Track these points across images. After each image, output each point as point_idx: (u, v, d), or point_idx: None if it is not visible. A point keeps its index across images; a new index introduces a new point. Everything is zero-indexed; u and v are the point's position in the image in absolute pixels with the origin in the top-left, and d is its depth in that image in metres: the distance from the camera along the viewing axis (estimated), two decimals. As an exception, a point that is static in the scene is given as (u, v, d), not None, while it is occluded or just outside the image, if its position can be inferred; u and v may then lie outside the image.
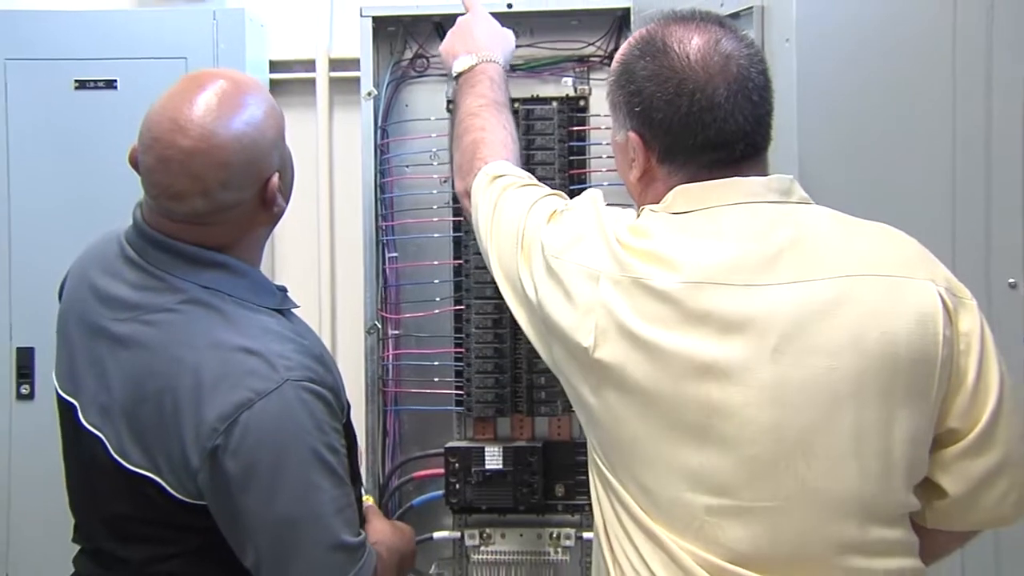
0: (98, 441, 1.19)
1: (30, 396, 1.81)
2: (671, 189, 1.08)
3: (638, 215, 1.10)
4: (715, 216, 1.05)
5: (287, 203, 1.29)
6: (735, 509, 0.99)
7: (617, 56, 1.14)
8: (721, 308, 1.00)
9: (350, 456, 1.30)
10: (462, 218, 1.82)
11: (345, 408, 1.28)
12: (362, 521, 1.36)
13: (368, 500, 1.56)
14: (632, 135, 1.10)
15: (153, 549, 1.21)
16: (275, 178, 1.21)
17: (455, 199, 1.83)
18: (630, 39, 1.13)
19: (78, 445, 1.23)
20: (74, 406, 1.22)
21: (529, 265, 1.12)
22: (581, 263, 1.05)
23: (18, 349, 1.83)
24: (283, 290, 1.30)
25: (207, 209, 1.17)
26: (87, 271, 1.26)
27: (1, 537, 1.81)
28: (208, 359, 1.14)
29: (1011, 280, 1.53)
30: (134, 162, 1.18)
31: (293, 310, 1.29)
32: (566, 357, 1.06)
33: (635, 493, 1.03)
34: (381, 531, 1.39)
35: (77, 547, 1.28)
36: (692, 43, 1.06)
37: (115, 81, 1.82)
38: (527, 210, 1.17)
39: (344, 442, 1.23)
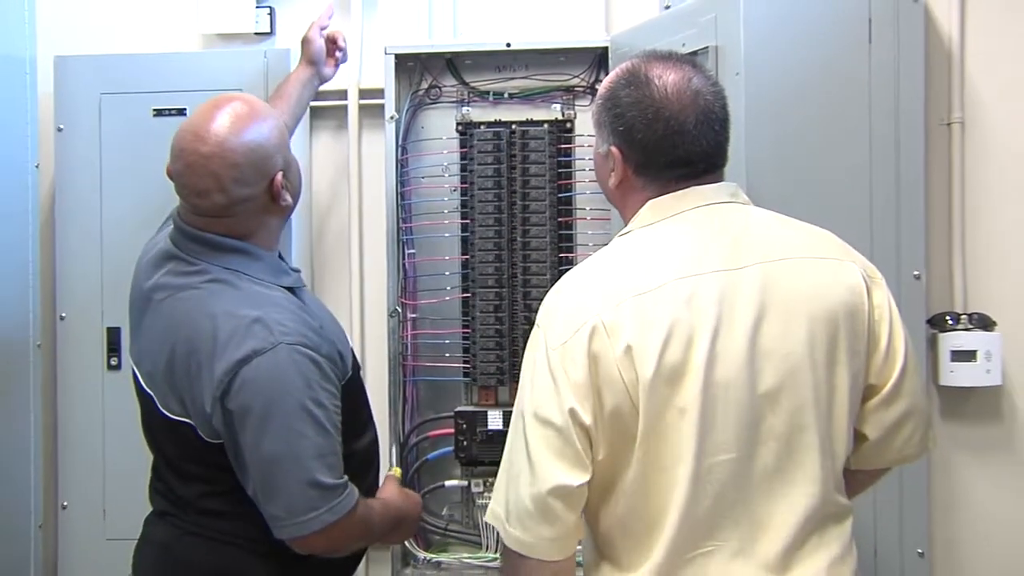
0: (151, 399, 1.33)
1: (117, 367, 1.95)
2: (644, 199, 1.15)
3: (626, 222, 1.18)
4: (681, 220, 1.13)
5: (295, 201, 1.39)
6: (725, 461, 1.05)
7: (605, 82, 1.20)
8: (699, 296, 1.05)
9: (357, 411, 1.41)
10: (469, 220, 1.97)
11: (346, 372, 1.37)
12: (373, 479, 1.47)
13: (396, 472, 1.66)
14: (614, 150, 1.16)
15: (201, 487, 1.34)
16: (279, 176, 1.32)
17: (463, 204, 1.99)
18: (617, 69, 1.19)
19: (142, 404, 1.38)
20: (136, 374, 1.38)
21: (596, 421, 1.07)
22: (581, 349, 1.05)
23: (108, 328, 1.97)
24: (297, 271, 1.41)
25: (226, 202, 1.29)
26: (143, 267, 1.41)
27: (99, 480, 1.97)
28: (222, 325, 1.25)
29: (916, 272, 1.73)
30: (170, 174, 1.33)
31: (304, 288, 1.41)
32: (618, 415, 1.06)
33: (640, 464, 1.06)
34: (390, 492, 1.49)
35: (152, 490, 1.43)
36: (670, 78, 1.13)
37: (185, 109, 1.93)
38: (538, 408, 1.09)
39: (337, 401, 1.30)
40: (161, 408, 1.32)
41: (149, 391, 1.34)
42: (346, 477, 1.29)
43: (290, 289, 1.37)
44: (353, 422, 1.37)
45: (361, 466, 1.42)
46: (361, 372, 1.46)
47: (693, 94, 1.13)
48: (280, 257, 1.42)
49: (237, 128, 1.29)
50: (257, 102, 1.37)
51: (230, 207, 1.30)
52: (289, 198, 1.36)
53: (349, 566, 1.47)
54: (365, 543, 1.42)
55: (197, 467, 1.33)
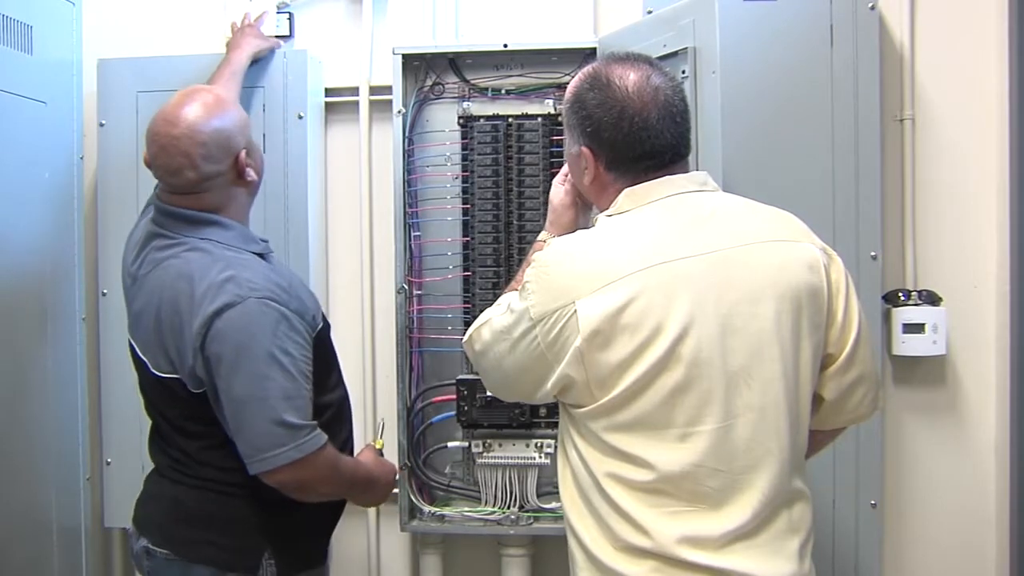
0: (144, 364, 1.41)
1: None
2: (618, 190, 1.18)
3: (593, 221, 1.22)
4: (655, 208, 1.16)
5: (260, 177, 1.48)
6: (701, 433, 1.09)
7: (570, 87, 1.24)
8: (673, 281, 1.09)
9: (326, 367, 1.47)
10: (469, 205, 2.06)
11: (316, 326, 1.43)
12: (347, 436, 1.51)
13: (379, 444, 1.70)
14: (584, 149, 1.20)
15: (197, 442, 1.41)
16: (243, 154, 1.41)
17: (464, 191, 2.06)
18: (580, 74, 1.23)
19: (138, 371, 1.46)
20: (132, 344, 1.46)
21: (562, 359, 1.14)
22: (562, 324, 1.11)
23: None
24: (265, 241, 1.49)
25: (196, 178, 1.38)
26: (128, 252, 1.50)
27: (137, 439, 1.95)
28: (199, 286, 1.34)
29: (872, 253, 1.82)
30: (147, 161, 1.41)
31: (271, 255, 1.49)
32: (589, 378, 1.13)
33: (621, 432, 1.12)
34: (366, 457, 1.56)
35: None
36: (630, 78, 1.17)
37: (211, 106, 1.97)
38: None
39: (306, 352, 1.37)
40: (153, 370, 1.39)
41: (143, 357, 1.42)
42: (315, 422, 1.36)
43: (260, 255, 1.45)
44: (321, 376, 1.43)
45: (333, 420, 1.47)
46: (332, 332, 1.52)
47: (653, 91, 1.17)
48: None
49: (203, 114, 1.39)
50: (221, 94, 1.47)
51: (201, 182, 1.39)
52: (254, 174, 1.45)
53: (333, 516, 1.56)
54: (334, 489, 1.46)
55: (194, 424, 1.40)
